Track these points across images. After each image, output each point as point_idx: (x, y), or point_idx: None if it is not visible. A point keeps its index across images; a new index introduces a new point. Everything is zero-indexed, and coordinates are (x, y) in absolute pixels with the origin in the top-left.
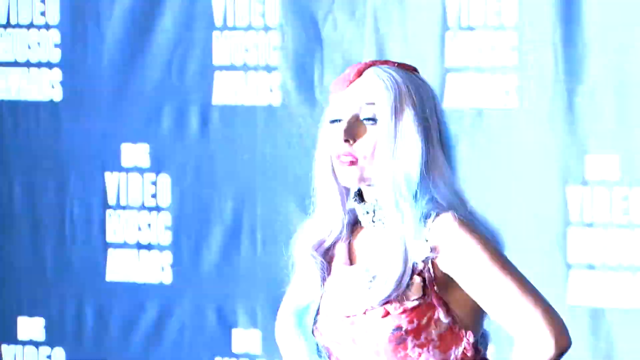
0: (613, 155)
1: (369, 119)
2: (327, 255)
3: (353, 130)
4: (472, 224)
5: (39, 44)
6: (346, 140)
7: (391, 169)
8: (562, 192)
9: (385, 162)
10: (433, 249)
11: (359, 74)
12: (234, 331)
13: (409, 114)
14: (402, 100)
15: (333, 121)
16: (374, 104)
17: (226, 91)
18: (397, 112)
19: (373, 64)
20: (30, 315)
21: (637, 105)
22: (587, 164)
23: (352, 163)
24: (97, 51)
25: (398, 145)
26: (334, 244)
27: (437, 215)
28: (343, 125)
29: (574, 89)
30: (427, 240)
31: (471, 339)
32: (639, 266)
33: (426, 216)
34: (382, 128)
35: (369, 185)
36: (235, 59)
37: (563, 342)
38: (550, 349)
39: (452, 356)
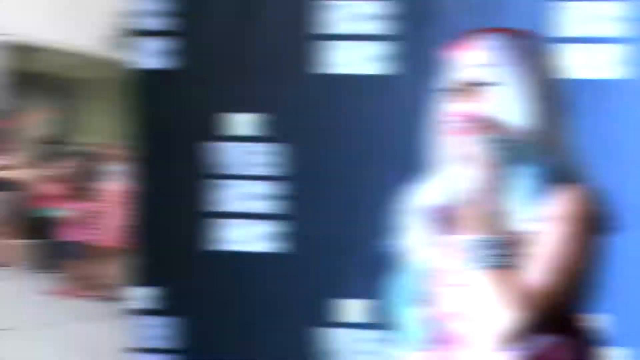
0: None
1: (491, 83)
2: (442, 221)
3: (476, 94)
4: (594, 202)
5: None
6: (468, 103)
7: (511, 131)
8: None
9: (505, 125)
10: (545, 218)
11: (477, 40)
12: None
13: (530, 77)
14: (522, 64)
15: (453, 86)
16: (496, 67)
17: (343, 61)
18: (519, 75)
19: (488, 31)
20: None
21: None
22: None
23: (475, 127)
24: (212, 21)
25: (519, 109)
26: (445, 212)
27: (560, 185)
28: (466, 89)
29: None
30: (541, 209)
31: None
32: None
33: (545, 182)
34: (504, 91)
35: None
36: (349, 29)
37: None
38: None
39: None
